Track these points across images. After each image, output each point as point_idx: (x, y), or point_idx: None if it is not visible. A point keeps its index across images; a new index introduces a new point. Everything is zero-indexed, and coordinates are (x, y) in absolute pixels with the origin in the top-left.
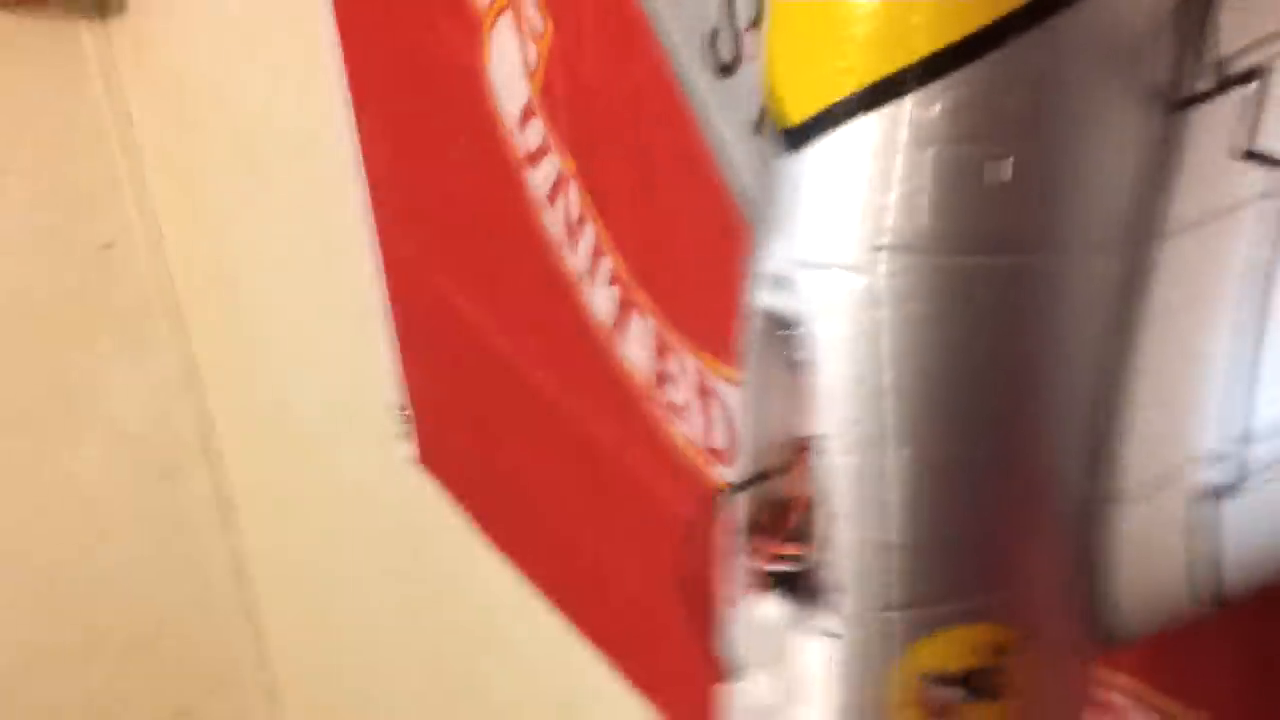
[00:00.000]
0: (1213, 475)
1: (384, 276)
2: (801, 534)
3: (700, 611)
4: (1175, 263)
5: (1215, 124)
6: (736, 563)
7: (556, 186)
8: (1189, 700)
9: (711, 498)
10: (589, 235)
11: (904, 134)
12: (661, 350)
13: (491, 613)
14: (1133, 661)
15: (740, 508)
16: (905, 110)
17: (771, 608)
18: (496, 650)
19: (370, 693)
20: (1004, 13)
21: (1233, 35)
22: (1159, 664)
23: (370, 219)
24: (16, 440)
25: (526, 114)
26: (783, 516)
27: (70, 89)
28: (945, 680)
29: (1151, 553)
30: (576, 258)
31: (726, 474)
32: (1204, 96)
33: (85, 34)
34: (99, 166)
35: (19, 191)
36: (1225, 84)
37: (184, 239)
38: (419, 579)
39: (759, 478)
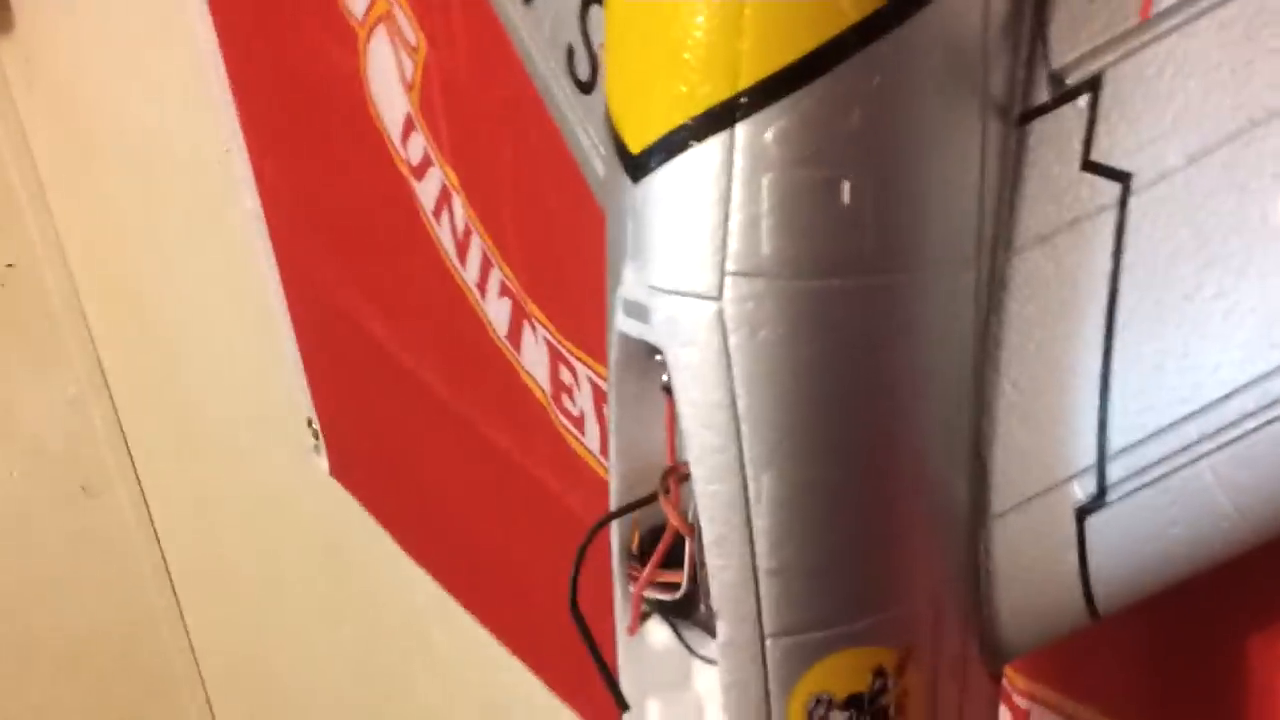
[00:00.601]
0: (1077, 490)
1: (283, 289)
2: (679, 560)
3: (593, 639)
4: (1027, 276)
5: (1055, 136)
6: (620, 590)
7: (441, 199)
8: (1093, 702)
9: (602, 515)
10: (476, 247)
11: (740, 160)
12: (555, 361)
13: (415, 617)
14: (1033, 666)
15: (618, 534)
16: (739, 137)
17: (658, 635)
18: (421, 655)
19: (301, 697)
20: (831, 36)
21: (1065, 46)
22: (1061, 667)
23: (266, 231)
24: None
25: (408, 127)
26: (660, 542)
27: None
28: (832, 705)
29: (1030, 567)
30: (468, 270)
31: (614, 490)
32: (1042, 109)
33: None
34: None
35: None
36: (1061, 97)
37: (87, 256)
38: (342, 585)
39: (635, 504)
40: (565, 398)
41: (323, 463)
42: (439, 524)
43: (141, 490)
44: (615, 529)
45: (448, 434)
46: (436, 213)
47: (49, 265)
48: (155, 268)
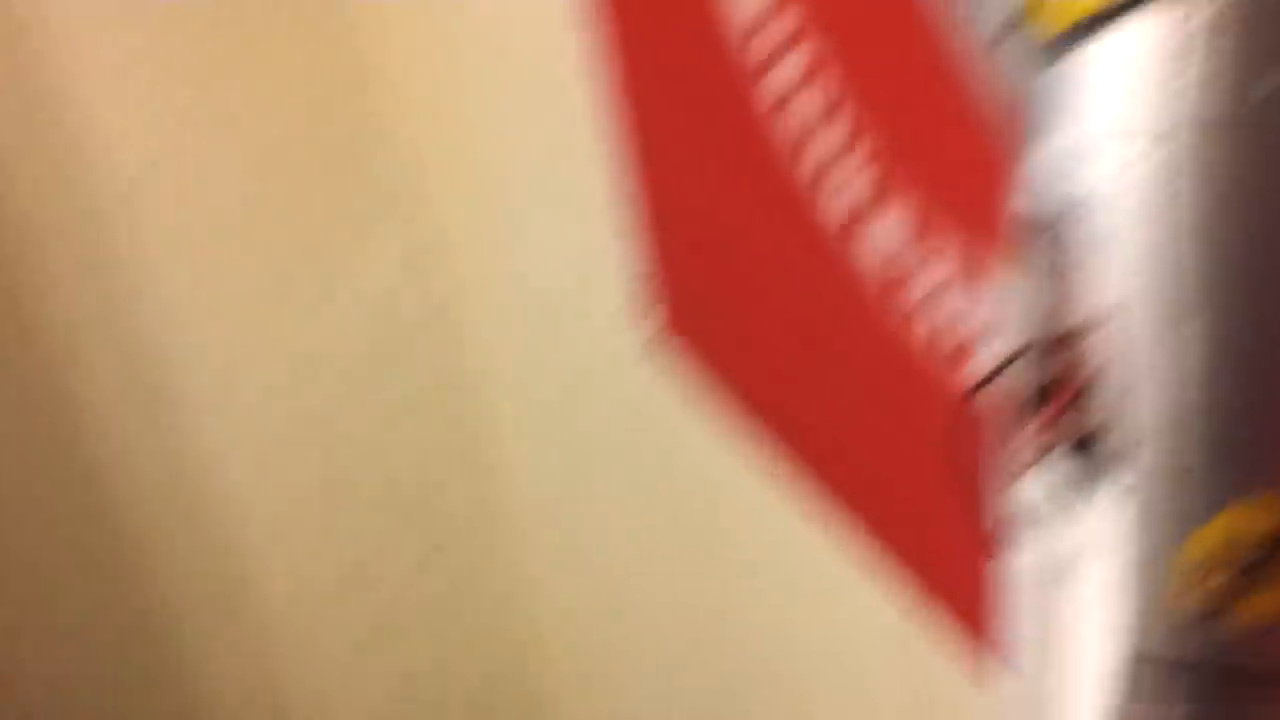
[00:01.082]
0: None
1: (630, 149)
2: (1083, 404)
3: (972, 490)
4: None
5: None
6: (1013, 436)
7: (810, 70)
8: None
9: (979, 376)
10: (844, 117)
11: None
12: (917, 232)
13: (726, 489)
14: None
15: (1016, 382)
16: None
17: (1055, 475)
18: (729, 518)
19: (613, 565)
20: None
21: None
22: None
23: (616, 89)
24: (269, 303)
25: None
26: (1061, 390)
27: None
28: (1245, 545)
29: None
30: (830, 139)
31: (994, 352)
32: None
33: None
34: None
35: (294, 62)
36: None
37: (434, 113)
38: (652, 457)
39: (1031, 353)
40: (925, 268)
41: (656, 323)
42: (779, 381)
43: (460, 350)
44: (1009, 379)
45: (802, 293)
46: (805, 82)
47: (395, 121)
48: (497, 126)
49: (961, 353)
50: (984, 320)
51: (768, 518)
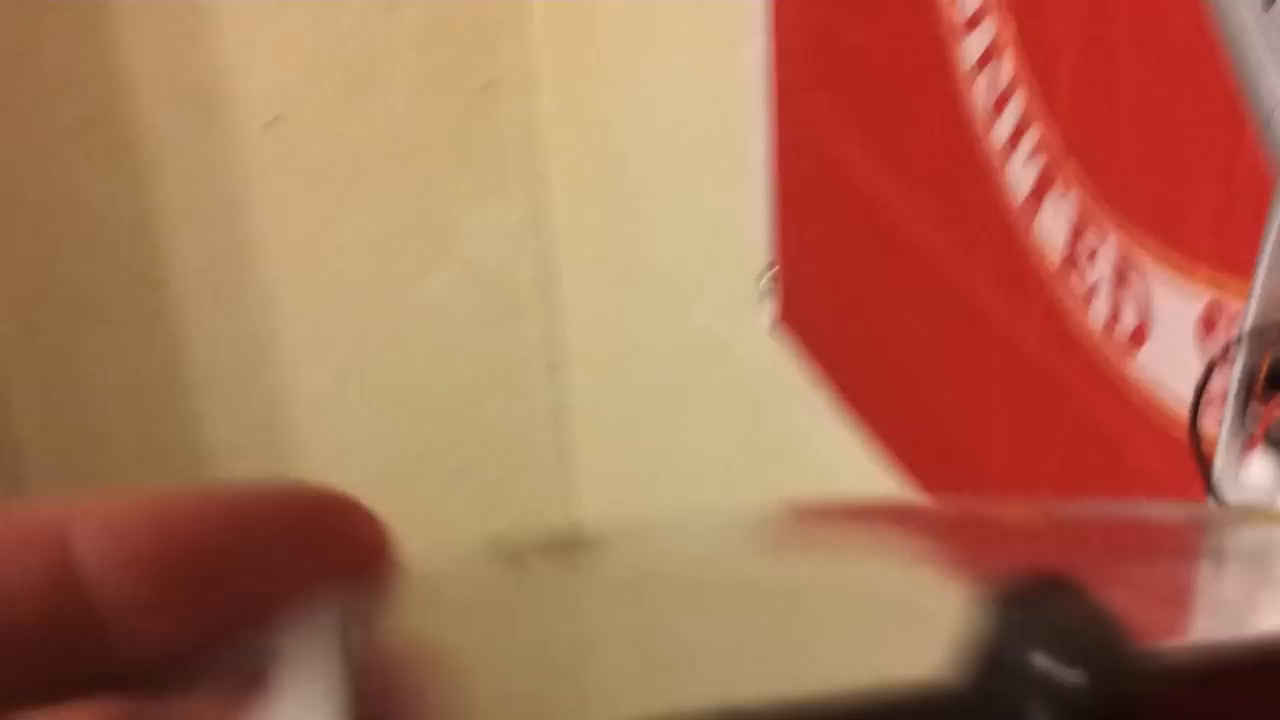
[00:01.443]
0: None
1: (773, 132)
2: None
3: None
4: None
5: None
6: (1234, 417)
7: (987, 54)
8: None
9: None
10: (1016, 103)
11: None
12: (1081, 227)
13: (831, 484)
14: None
15: (1244, 360)
16: None
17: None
18: None
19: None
20: None
21: None
22: None
23: (768, 77)
24: (375, 268)
25: None
26: None
27: None
28: None
29: None
30: (999, 128)
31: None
32: None
33: None
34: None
35: (414, 24)
36: None
37: (562, 82)
38: (756, 446)
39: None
40: (1079, 268)
41: (772, 311)
42: (894, 381)
43: (559, 323)
44: (1242, 355)
45: (927, 290)
46: (980, 66)
47: (522, 89)
48: (633, 101)
49: (1100, 352)
50: (1135, 320)
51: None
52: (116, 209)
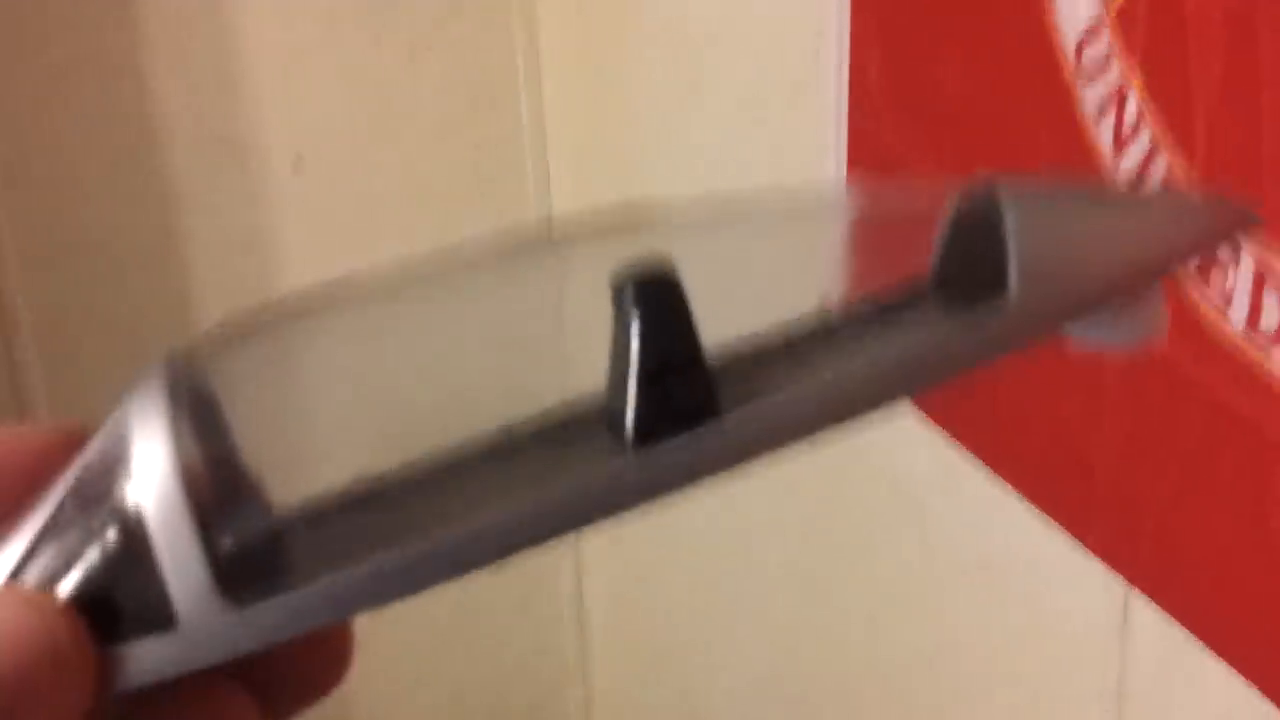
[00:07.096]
0: None
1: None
2: None
3: None
4: None
5: None
6: None
7: (1111, 99)
8: None
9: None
10: (1144, 138)
11: None
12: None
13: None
14: None
15: None
16: None
17: None
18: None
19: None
20: None
21: None
22: None
23: (840, 120)
24: None
25: (1094, 27)
26: None
27: None
28: None
29: None
30: (1125, 158)
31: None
32: None
33: None
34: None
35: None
36: None
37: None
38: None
39: None
40: (1215, 270)
41: None
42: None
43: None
44: None
45: None
46: (1101, 113)
47: (535, 136)
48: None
49: (1243, 354)
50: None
51: None
52: (144, 249)
